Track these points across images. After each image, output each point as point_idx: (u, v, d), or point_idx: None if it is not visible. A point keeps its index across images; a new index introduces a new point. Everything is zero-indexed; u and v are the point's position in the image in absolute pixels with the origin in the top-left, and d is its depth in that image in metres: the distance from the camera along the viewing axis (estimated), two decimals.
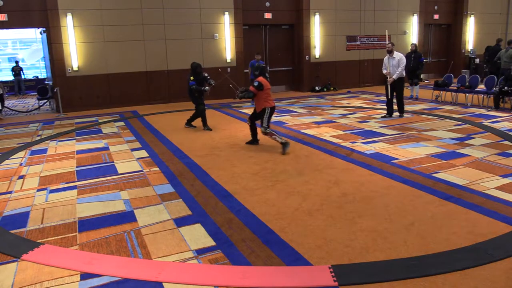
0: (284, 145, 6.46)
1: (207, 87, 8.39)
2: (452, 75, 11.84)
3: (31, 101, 15.07)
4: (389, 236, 3.59)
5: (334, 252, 3.34)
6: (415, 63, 12.00)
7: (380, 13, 15.83)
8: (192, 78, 8.33)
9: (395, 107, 9.32)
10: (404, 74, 9.09)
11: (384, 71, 9.17)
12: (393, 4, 16.09)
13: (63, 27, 11.22)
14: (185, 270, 3.16)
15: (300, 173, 5.43)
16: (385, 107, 9.53)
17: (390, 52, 8.95)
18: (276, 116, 9.90)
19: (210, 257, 3.33)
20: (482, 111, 9.72)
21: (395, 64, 8.89)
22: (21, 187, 5.24)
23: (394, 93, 9.13)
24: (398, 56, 8.94)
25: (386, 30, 10.98)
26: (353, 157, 6.09)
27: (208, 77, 8.45)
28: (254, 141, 7.13)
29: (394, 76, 8.87)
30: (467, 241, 3.45)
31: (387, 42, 9.41)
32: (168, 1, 12.30)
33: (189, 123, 8.87)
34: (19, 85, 17.69)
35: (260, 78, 6.54)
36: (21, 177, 5.69)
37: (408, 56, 12.09)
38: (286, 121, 9.31)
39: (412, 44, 12.57)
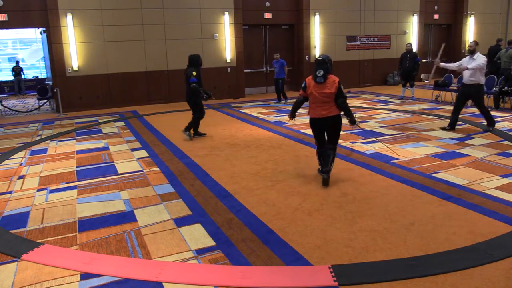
0: None
1: (210, 93, 7.37)
2: (452, 75, 11.84)
3: (31, 101, 15.06)
4: (389, 236, 3.59)
5: (334, 252, 3.34)
6: (411, 63, 11.82)
7: (380, 13, 15.83)
8: (194, 73, 7.12)
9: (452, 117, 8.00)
10: (482, 80, 7.57)
11: (443, 64, 7.90)
12: (393, 4, 16.09)
13: (63, 27, 11.22)
14: (185, 270, 3.16)
15: (300, 173, 5.42)
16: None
17: (472, 52, 7.55)
18: (276, 116, 9.91)
19: (210, 257, 3.33)
20: None
21: (473, 67, 7.46)
22: (21, 187, 5.24)
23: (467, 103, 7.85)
24: (479, 58, 7.50)
25: (443, 44, 9.03)
26: (353, 157, 6.09)
27: None
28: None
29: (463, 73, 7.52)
30: (467, 241, 3.45)
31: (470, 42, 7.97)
32: (168, 1, 12.30)
33: (195, 131, 7.70)
34: (19, 85, 17.70)
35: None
36: (21, 177, 5.69)
37: (403, 57, 12.07)
38: (286, 121, 9.30)
39: (407, 44, 12.44)
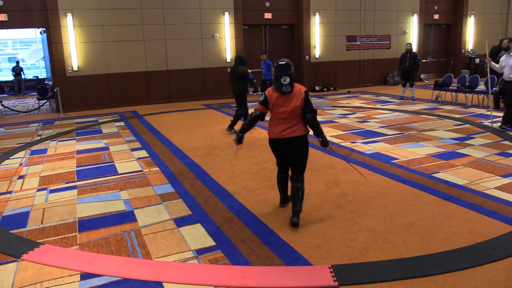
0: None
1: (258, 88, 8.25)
2: (452, 75, 11.84)
3: (31, 101, 15.06)
4: (389, 236, 3.59)
5: (334, 252, 3.34)
6: (411, 63, 11.80)
7: (380, 13, 15.83)
8: (249, 71, 7.85)
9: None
10: None
11: (492, 64, 7.84)
12: (393, 4, 16.08)
13: (63, 27, 11.22)
14: (185, 270, 3.16)
15: None
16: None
17: (507, 49, 7.59)
18: None
19: (210, 257, 3.33)
20: (482, 111, 9.71)
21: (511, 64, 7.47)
22: (21, 187, 5.24)
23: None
24: None
25: (486, 42, 9.17)
26: (353, 157, 6.09)
27: None
28: None
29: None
30: (467, 241, 3.45)
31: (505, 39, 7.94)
32: (168, 1, 12.30)
33: (231, 128, 8.03)
34: (19, 85, 17.70)
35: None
36: (21, 177, 5.69)
37: (403, 57, 12.06)
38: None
39: (407, 44, 12.43)
